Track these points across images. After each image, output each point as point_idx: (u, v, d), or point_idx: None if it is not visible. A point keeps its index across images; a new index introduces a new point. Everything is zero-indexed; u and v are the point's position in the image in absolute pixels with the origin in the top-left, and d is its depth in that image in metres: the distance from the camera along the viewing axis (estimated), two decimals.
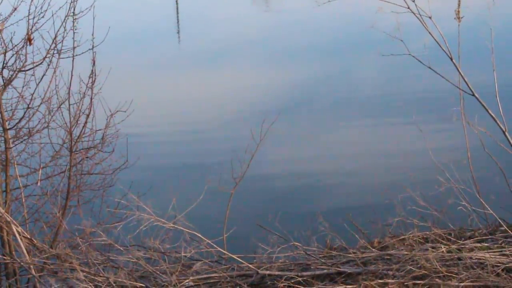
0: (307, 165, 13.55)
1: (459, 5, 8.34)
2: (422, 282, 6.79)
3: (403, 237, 7.83)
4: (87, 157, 9.00)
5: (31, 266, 7.52)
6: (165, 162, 14.06)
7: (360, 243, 8.04)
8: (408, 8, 8.45)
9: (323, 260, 7.42)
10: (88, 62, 8.48)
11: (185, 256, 7.47)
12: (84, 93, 8.59)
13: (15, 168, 8.65)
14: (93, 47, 8.49)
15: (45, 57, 8.54)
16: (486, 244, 7.46)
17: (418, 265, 6.90)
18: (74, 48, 8.43)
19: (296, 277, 7.12)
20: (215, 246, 7.51)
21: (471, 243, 7.47)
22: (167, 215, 7.51)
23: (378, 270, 7.06)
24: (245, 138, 9.04)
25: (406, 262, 7.02)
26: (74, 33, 8.43)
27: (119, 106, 9.02)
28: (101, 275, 7.11)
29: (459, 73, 8.37)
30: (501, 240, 7.63)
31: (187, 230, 7.41)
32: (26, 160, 9.17)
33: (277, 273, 7.27)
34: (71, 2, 8.47)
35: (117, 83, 13.47)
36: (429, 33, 8.34)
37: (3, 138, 8.53)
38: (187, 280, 7.14)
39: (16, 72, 8.48)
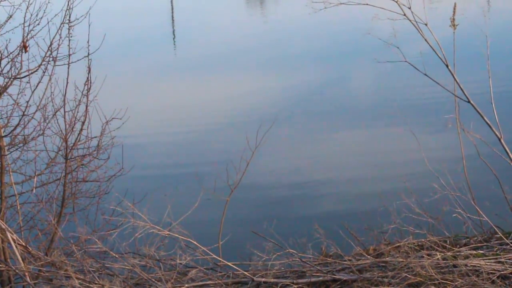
0: (302, 172, 13.55)
1: (454, 12, 8.33)
2: None
3: (398, 244, 7.83)
4: (82, 165, 8.98)
5: (26, 274, 7.50)
6: (160, 169, 14.05)
7: (355, 250, 8.04)
8: (404, 15, 8.46)
9: (318, 268, 7.42)
10: (84, 69, 8.49)
11: (181, 263, 7.46)
12: (80, 100, 8.59)
13: (10, 176, 8.62)
14: (88, 54, 8.49)
15: (41, 64, 8.52)
16: (481, 251, 7.47)
17: (414, 272, 6.90)
18: (69, 55, 8.43)
19: (292, 284, 7.11)
20: (210, 253, 7.50)
21: (466, 250, 7.47)
22: (162, 222, 7.51)
23: (374, 277, 7.06)
24: (241, 145, 9.04)
25: (402, 270, 7.02)
26: (69, 40, 8.43)
27: (114, 113, 9.01)
28: (96, 282, 7.09)
29: (455, 80, 8.37)
30: (496, 247, 7.64)
31: (182, 238, 7.40)
32: (21, 168, 9.14)
33: (272, 280, 7.26)
34: (67, 9, 8.47)
35: (113, 90, 13.48)
36: (425, 40, 8.35)
37: None
38: None
39: (12, 79, 8.45)
